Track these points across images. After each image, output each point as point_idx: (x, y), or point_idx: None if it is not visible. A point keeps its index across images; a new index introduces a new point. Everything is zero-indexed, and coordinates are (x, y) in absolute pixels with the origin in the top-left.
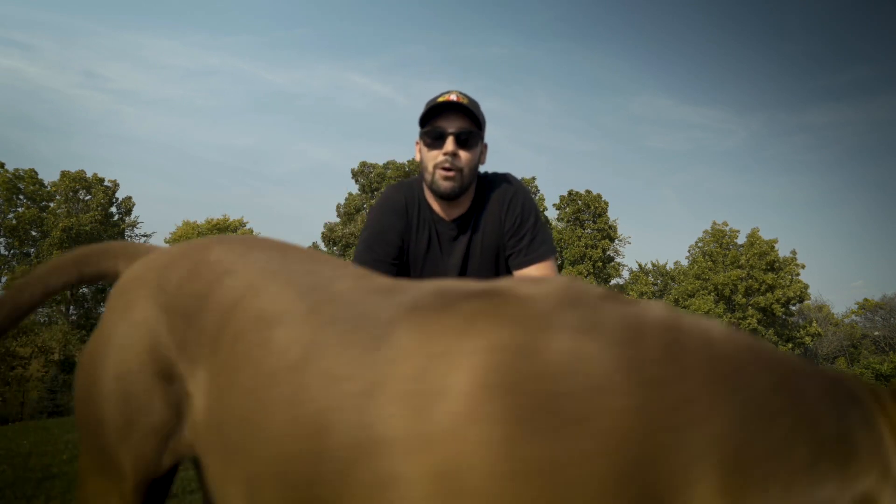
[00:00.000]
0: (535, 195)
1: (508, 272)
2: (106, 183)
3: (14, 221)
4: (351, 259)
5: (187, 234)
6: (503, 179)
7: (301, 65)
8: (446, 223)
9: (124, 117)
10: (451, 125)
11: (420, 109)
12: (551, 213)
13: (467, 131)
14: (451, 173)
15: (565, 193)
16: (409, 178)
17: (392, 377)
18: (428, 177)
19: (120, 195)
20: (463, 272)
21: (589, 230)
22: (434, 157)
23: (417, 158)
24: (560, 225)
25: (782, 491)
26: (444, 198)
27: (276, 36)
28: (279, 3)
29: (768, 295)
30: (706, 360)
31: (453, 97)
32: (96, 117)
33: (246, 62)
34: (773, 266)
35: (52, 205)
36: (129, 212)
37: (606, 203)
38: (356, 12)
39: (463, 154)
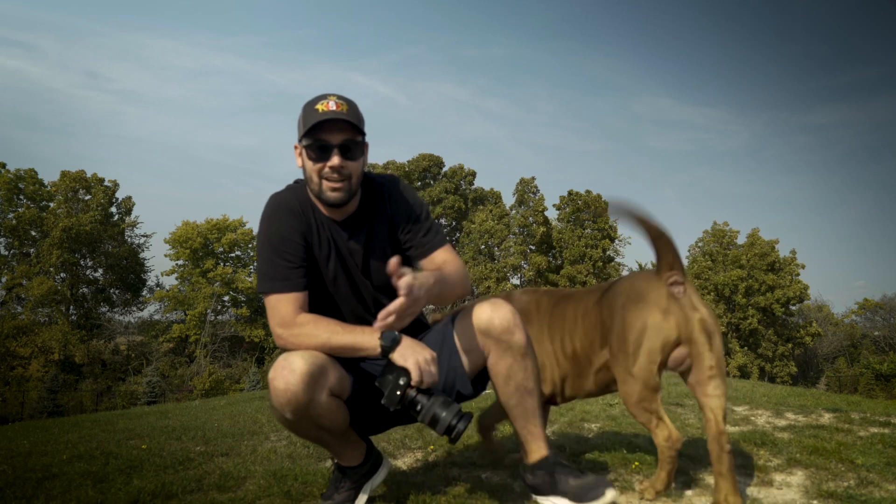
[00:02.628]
0: (535, 195)
1: (406, 262)
2: (106, 183)
3: (14, 221)
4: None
5: (187, 234)
6: (388, 180)
7: (303, 65)
8: (338, 224)
9: (126, 117)
10: (335, 137)
11: (420, 110)
12: (551, 213)
13: (350, 142)
14: (339, 185)
15: (565, 193)
16: (291, 184)
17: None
18: (314, 187)
19: (120, 195)
20: (366, 268)
21: (589, 230)
22: (319, 169)
23: (299, 164)
24: (560, 225)
25: None
26: (334, 206)
27: (279, 36)
28: (282, 3)
29: (768, 295)
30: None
31: (332, 105)
32: (98, 117)
33: (248, 62)
34: (774, 266)
35: (52, 205)
36: (129, 212)
37: (606, 203)
38: (358, 13)
39: (349, 164)
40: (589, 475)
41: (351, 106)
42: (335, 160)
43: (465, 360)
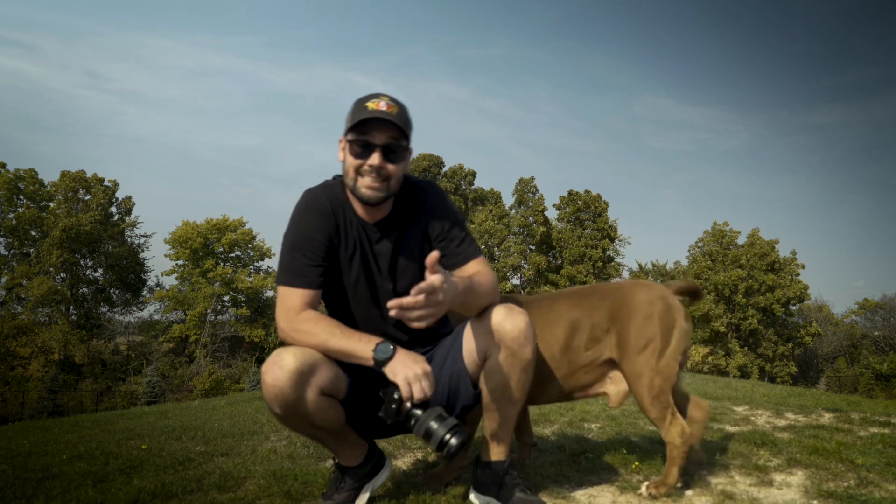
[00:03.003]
0: (535, 195)
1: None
2: (106, 183)
3: (14, 221)
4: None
5: (187, 234)
6: (427, 186)
7: (303, 65)
8: (370, 226)
9: (126, 117)
10: (380, 137)
11: (420, 110)
12: (551, 213)
13: (394, 144)
14: (376, 184)
15: (565, 193)
16: (328, 180)
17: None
18: (350, 182)
19: (120, 195)
20: (392, 271)
21: (589, 230)
22: (358, 165)
23: (340, 158)
24: (560, 225)
25: None
26: (367, 203)
27: (279, 36)
28: (282, 3)
29: (768, 295)
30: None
31: (383, 105)
32: (98, 117)
33: (248, 62)
34: (774, 266)
35: (52, 205)
36: (128, 212)
37: (606, 203)
38: (358, 13)
39: (389, 166)
40: (536, 497)
41: (401, 109)
42: (375, 159)
43: (469, 364)
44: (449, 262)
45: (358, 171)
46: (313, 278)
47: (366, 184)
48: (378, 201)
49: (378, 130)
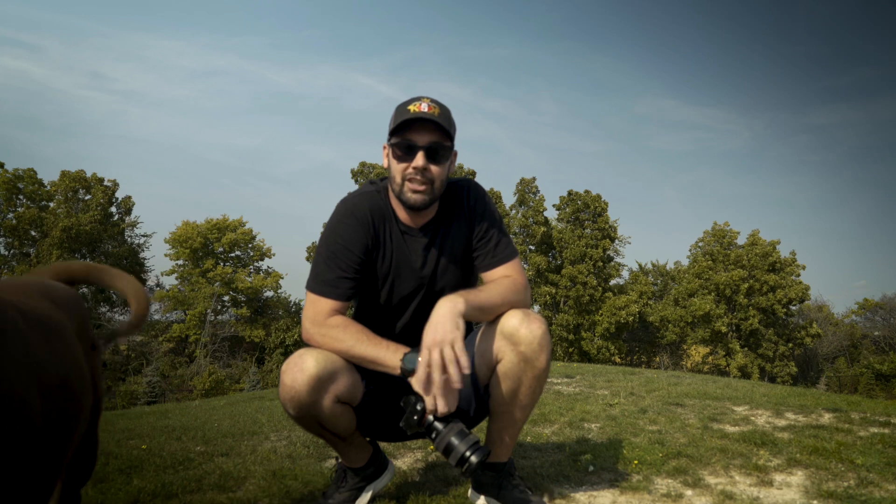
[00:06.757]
0: (535, 195)
1: (473, 272)
2: (105, 183)
3: (14, 221)
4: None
5: (187, 233)
6: (468, 185)
7: (306, 66)
8: (415, 231)
9: (129, 118)
10: (422, 138)
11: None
12: (551, 213)
13: (437, 145)
14: (421, 187)
15: (566, 193)
16: (373, 185)
17: None
18: (396, 187)
19: (120, 195)
20: (433, 278)
21: (589, 230)
22: (403, 170)
23: (385, 164)
24: (560, 225)
25: None
26: (413, 209)
27: (282, 37)
28: (285, 4)
29: (769, 295)
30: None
31: (424, 107)
32: (101, 118)
33: (251, 63)
34: (775, 267)
35: (51, 205)
36: (128, 212)
37: (606, 203)
38: (361, 14)
39: (433, 168)
40: (536, 497)
41: (443, 110)
42: (419, 161)
43: (479, 367)
44: (482, 263)
45: (403, 176)
46: (344, 290)
47: (411, 188)
48: (423, 205)
49: (420, 132)
